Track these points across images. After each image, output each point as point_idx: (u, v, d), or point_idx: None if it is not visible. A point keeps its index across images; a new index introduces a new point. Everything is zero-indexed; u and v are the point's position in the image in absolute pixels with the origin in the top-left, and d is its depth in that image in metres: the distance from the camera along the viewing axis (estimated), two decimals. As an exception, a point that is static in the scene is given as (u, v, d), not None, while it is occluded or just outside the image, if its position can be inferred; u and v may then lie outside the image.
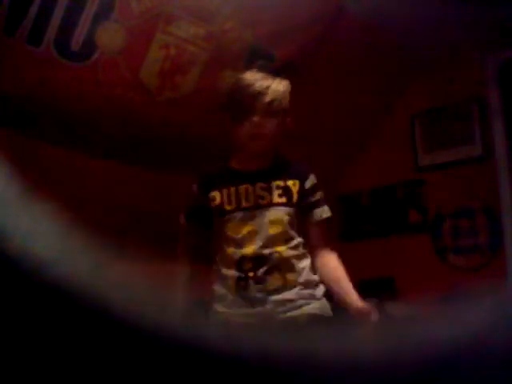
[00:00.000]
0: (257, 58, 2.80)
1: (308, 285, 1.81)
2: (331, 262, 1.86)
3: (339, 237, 3.57)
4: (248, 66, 2.00)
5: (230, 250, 1.78)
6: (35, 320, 1.54)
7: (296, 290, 1.78)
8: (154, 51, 2.52)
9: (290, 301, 1.76)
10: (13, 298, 1.51)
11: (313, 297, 1.80)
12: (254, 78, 1.82)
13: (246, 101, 1.78)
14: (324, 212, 1.87)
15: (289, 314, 1.76)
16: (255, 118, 1.77)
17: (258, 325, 1.72)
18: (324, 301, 1.83)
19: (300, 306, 1.77)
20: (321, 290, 1.83)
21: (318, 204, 1.87)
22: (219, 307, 1.79)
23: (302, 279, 1.79)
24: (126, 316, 1.42)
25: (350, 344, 1.43)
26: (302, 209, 1.84)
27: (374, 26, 2.87)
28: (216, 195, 1.82)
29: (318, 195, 1.87)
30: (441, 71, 3.32)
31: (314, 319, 1.77)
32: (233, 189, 1.81)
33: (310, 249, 1.86)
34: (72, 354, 1.54)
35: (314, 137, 3.14)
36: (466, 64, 3.21)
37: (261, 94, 1.78)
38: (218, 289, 1.80)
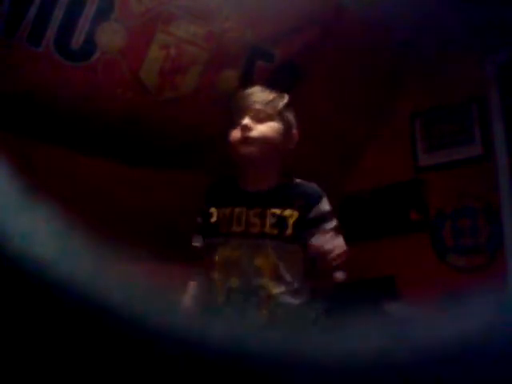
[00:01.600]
0: (257, 58, 2.80)
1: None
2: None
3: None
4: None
5: (218, 276, 1.71)
6: (35, 320, 1.54)
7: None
8: (154, 51, 2.52)
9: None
10: (13, 298, 1.51)
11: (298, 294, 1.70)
12: (249, 89, 1.81)
13: (236, 105, 1.77)
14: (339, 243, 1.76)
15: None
16: (243, 121, 1.73)
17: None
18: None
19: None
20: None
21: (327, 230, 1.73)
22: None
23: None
24: (126, 316, 1.42)
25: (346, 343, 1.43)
26: (304, 237, 1.70)
27: (373, 25, 2.87)
28: (214, 212, 1.77)
29: (328, 225, 1.74)
30: (441, 71, 3.32)
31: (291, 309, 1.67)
32: (228, 210, 1.74)
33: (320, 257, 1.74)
34: (72, 354, 1.54)
35: (314, 137, 3.13)
36: (466, 64, 3.21)
37: (248, 96, 1.76)
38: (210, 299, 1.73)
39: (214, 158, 2.47)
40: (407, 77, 3.44)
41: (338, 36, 2.93)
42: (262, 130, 1.73)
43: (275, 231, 1.68)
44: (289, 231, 1.68)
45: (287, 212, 1.70)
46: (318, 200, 1.74)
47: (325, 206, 1.74)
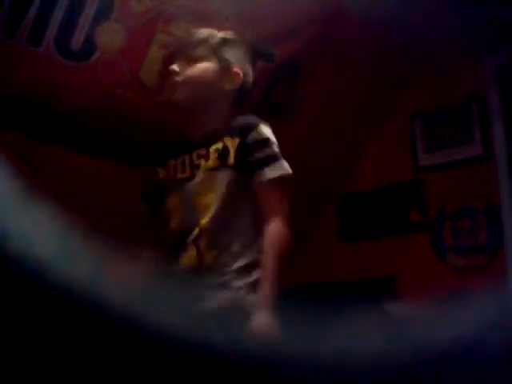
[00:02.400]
0: (257, 58, 2.80)
1: (229, 266, 1.52)
2: (267, 239, 1.52)
3: (339, 237, 3.57)
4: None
5: (171, 224, 1.63)
6: (35, 319, 1.54)
7: (211, 271, 1.50)
8: (154, 51, 2.52)
9: (203, 287, 1.50)
10: (13, 298, 1.51)
11: (228, 286, 1.52)
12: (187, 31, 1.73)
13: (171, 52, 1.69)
14: (274, 170, 1.55)
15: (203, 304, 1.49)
16: (172, 66, 1.65)
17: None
18: (242, 293, 1.52)
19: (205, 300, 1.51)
20: (248, 278, 1.52)
21: (265, 161, 1.56)
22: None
23: (225, 259, 1.52)
24: (126, 316, 1.42)
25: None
26: (247, 168, 1.56)
27: (373, 26, 2.87)
28: (160, 171, 1.72)
29: (267, 150, 1.57)
30: (441, 71, 3.32)
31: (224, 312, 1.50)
32: (172, 162, 1.68)
33: (261, 221, 1.55)
34: (72, 354, 1.54)
35: (314, 136, 3.13)
36: (466, 64, 3.21)
37: (179, 41, 1.73)
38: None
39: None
40: (407, 77, 3.44)
41: (337, 36, 2.93)
42: (188, 72, 1.63)
43: (216, 163, 1.56)
44: (230, 160, 1.56)
45: (228, 142, 1.58)
46: (255, 126, 1.59)
47: (263, 131, 1.60)
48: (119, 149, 2.67)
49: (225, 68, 1.65)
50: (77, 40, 2.34)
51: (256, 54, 2.76)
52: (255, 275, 1.52)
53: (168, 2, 2.48)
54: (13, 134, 2.33)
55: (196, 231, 1.54)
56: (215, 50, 1.65)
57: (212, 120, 1.66)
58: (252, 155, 1.56)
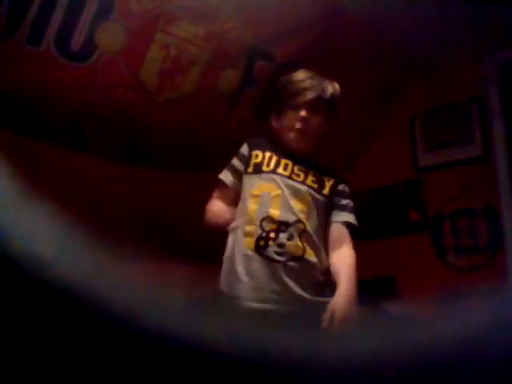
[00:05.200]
0: (257, 58, 2.80)
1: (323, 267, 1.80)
2: (347, 257, 1.85)
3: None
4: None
5: (253, 207, 1.80)
6: (35, 319, 1.54)
7: (313, 264, 1.76)
8: (154, 51, 2.52)
9: (308, 275, 1.75)
10: (13, 298, 1.51)
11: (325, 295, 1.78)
12: (306, 76, 1.93)
13: (294, 95, 1.87)
14: (351, 218, 1.90)
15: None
16: (301, 112, 1.85)
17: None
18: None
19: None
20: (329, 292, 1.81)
21: (346, 208, 1.91)
22: (235, 287, 1.76)
23: (319, 259, 1.79)
24: (126, 315, 1.42)
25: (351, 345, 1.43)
26: (331, 206, 1.88)
27: (373, 26, 2.87)
28: (259, 154, 1.89)
29: (349, 202, 1.92)
30: (441, 71, 3.32)
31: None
32: (275, 157, 1.88)
33: (331, 246, 1.85)
34: (72, 353, 1.54)
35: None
36: (466, 64, 3.21)
37: (309, 89, 1.87)
38: (236, 247, 1.79)
39: (215, 158, 2.46)
40: (407, 77, 3.44)
41: (337, 36, 2.93)
42: (317, 124, 1.88)
43: (315, 186, 1.86)
44: (325, 190, 1.88)
45: (325, 177, 1.90)
46: (344, 179, 1.96)
47: (346, 187, 1.95)
48: (119, 149, 2.67)
49: (334, 117, 1.94)
50: (77, 40, 2.34)
51: (256, 54, 2.78)
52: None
53: (168, 2, 2.48)
54: (13, 133, 2.33)
55: (300, 226, 1.78)
56: (334, 104, 1.92)
57: (304, 149, 1.92)
58: (338, 198, 1.91)
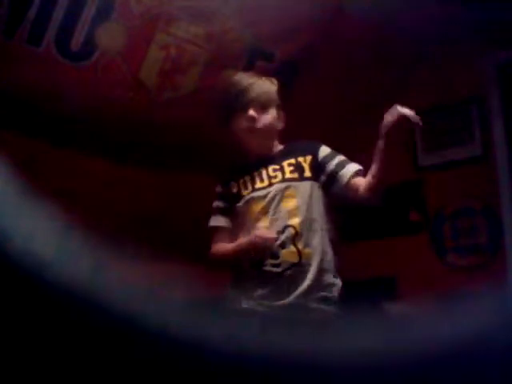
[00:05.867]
0: (257, 58, 2.80)
1: (326, 275, 1.79)
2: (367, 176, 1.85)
3: (339, 237, 3.57)
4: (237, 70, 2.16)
5: (252, 229, 1.81)
6: (35, 320, 1.54)
7: (312, 273, 1.75)
8: (154, 51, 2.52)
9: (309, 288, 1.75)
10: (13, 299, 1.51)
11: (329, 298, 1.79)
12: (241, 78, 1.95)
13: (236, 97, 1.88)
14: (353, 168, 1.86)
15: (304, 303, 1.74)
16: (249, 112, 1.86)
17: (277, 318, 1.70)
18: (337, 305, 1.81)
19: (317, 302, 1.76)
20: (337, 288, 1.82)
21: (343, 164, 1.87)
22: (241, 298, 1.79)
23: (319, 257, 1.78)
24: (126, 316, 1.42)
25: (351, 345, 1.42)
26: (328, 179, 1.85)
27: (374, 25, 2.87)
28: (233, 186, 1.89)
29: (338, 158, 1.88)
30: (441, 71, 3.32)
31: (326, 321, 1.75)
32: (247, 177, 1.89)
33: (358, 193, 1.84)
34: (72, 355, 1.54)
35: (314, 136, 3.13)
36: (466, 64, 3.21)
37: (248, 89, 1.88)
38: (243, 275, 1.81)
39: (214, 158, 2.47)
40: (407, 77, 3.44)
41: (337, 36, 2.93)
42: (266, 120, 1.89)
43: (295, 175, 1.84)
44: (308, 173, 1.85)
45: (300, 158, 1.87)
46: (320, 144, 1.92)
47: (326, 147, 1.92)
48: (119, 149, 2.67)
49: (280, 112, 1.95)
50: (77, 40, 2.34)
51: (256, 54, 2.77)
52: (339, 283, 1.83)
53: (168, 2, 2.48)
54: (13, 133, 2.33)
55: (291, 231, 1.77)
56: (276, 99, 1.93)
57: (268, 149, 1.94)
58: (328, 165, 1.86)
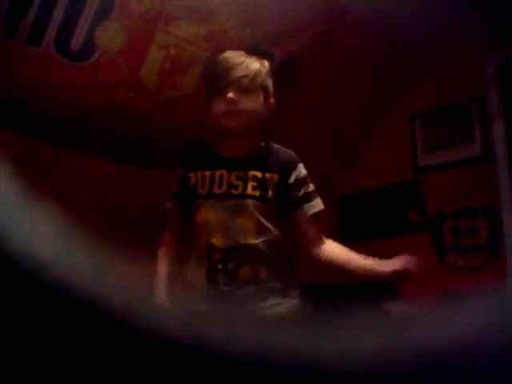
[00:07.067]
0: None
1: (281, 281, 1.72)
2: (335, 248, 1.85)
3: (339, 237, 3.57)
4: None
5: (200, 237, 1.71)
6: (35, 319, 1.54)
7: (267, 284, 1.68)
8: (154, 51, 2.52)
9: (261, 297, 1.66)
10: (13, 298, 1.51)
11: (285, 295, 1.72)
12: (228, 56, 1.76)
13: (218, 77, 1.72)
14: (312, 207, 1.76)
15: (258, 311, 1.66)
16: (229, 94, 1.69)
17: (223, 318, 1.62)
18: (296, 302, 1.74)
19: (270, 307, 1.68)
20: (296, 289, 1.76)
21: (305, 199, 1.75)
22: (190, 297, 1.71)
23: (275, 274, 1.70)
24: (126, 316, 1.42)
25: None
26: (285, 206, 1.73)
27: (374, 26, 2.87)
28: (192, 176, 1.77)
29: (306, 189, 1.76)
30: (441, 71, 3.32)
31: (282, 319, 1.67)
32: (208, 173, 1.75)
33: (306, 245, 1.77)
34: (72, 354, 1.54)
35: (314, 137, 3.14)
36: (466, 64, 3.21)
37: (232, 69, 1.71)
38: (190, 276, 1.72)
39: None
40: (407, 77, 3.44)
41: (338, 36, 2.93)
42: (247, 104, 1.71)
43: (257, 193, 1.70)
44: (270, 193, 1.71)
45: (268, 175, 1.72)
46: (296, 165, 1.76)
47: (302, 170, 1.77)
48: (119, 149, 2.67)
49: (267, 98, 1.78)
50: (77, 40, 2.34)
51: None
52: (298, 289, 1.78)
53: (168, 1, 2.48)
54: (13, 133, 2.33)
55: (246, 250, 1.68)
56: (263, 83, 1.76)
57: (246, 142, 1.77)
58: (293, 193, 1.74)
